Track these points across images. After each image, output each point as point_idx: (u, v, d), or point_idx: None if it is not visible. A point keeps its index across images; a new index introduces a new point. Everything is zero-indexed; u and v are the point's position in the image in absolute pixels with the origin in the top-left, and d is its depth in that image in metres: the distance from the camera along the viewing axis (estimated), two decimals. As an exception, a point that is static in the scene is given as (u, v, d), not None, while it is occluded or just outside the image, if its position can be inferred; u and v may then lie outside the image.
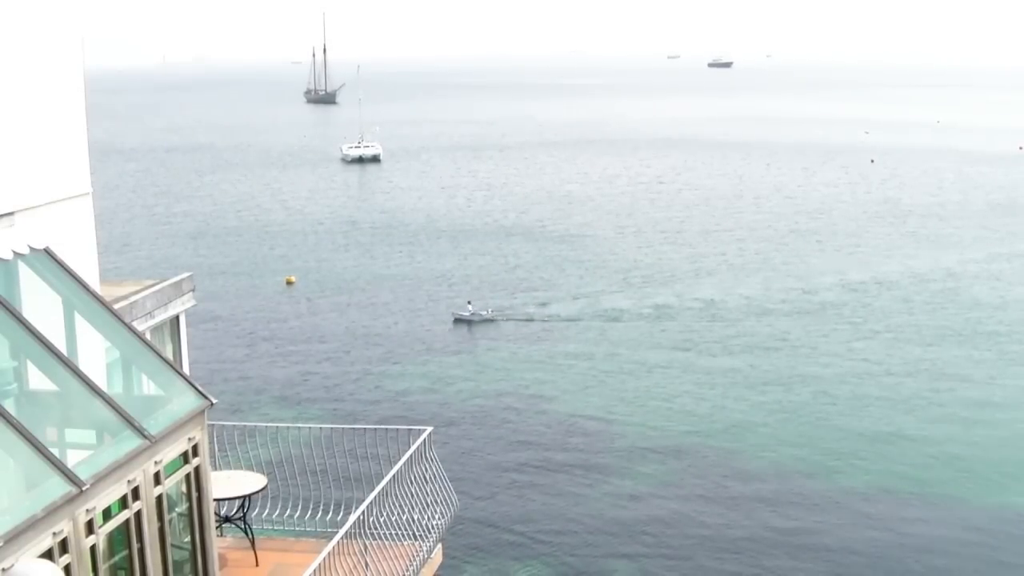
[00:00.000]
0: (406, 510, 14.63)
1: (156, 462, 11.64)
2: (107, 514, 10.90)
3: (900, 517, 34.06)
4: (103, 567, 10.79)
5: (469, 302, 58.31)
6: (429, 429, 15.73)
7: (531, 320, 56.89)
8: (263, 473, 15.52)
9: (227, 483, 14.81)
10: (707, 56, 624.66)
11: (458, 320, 56.96)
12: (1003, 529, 33.44)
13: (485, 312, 57.13)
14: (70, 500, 10.23)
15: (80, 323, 12.86)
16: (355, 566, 13.52)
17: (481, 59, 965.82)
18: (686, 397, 45.43)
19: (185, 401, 12.59)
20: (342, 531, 13.49)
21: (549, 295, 62.78)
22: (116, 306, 13.99)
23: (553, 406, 44.63)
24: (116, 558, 11.11)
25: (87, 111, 14.28)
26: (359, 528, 13.69)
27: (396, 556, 14.33)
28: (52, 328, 12.18)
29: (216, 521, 14.07)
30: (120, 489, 11.04)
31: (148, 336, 14.98)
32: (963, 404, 44.14)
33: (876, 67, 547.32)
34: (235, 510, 15.02)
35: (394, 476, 14.49)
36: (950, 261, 70.69)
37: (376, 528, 14.03)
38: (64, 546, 10.17)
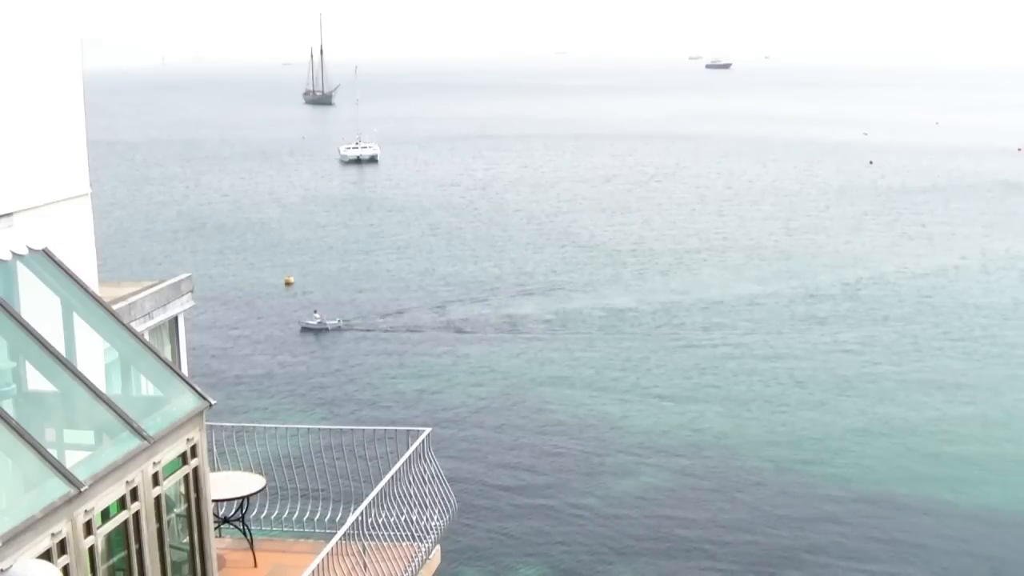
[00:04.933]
0: (404, 511, 14.62)
1: (155, 463, 11.64)
2: (106, 515, 10.90)
3: (897, 515, 34.09)
4: (101, 568, 10.78)
5: (316, 311, 58.01)
6: (428, 430, 15.72)
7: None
8: (262, 474, 15.51)
9: (226, 484, 14.80)
10: (724, 57, 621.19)
11: (305, 329, 56.48)
12: (1000, 526, 33.49)
13: (333, 321, 56.93)
14: (69, 501, 10.23)
15: (79, 324, 12.86)
16: (353, 567, 13.52)
17: (474, 60, 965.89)
18: (684, 397, 45.43)
19: (184, 402, 12.59)
20: (340, 532, 13.49)
21: (551, 291, 62.81)
22: (115, 307, 13.99)
23: (552, 408, 44.64)
24: (115, 559, 11.11)
25: (86, 112, 14.28)
26: (357, 529, 13.69)
27: (394, 557, 14.32)
28: (51, 329, 12.18)
29: (215, 522, 14.07)
30: (119, 490, 11.04)
31: (147, 337, 14.97)
32: (960, 400, 44.23)
33: (875, 68, 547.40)
34: (234, 511, 15.01)
35: (393, 477, 14.49)
36: (948, 261, 70.71)
37: (375, 529, 14.03)
38: (63, 547, 10.17)
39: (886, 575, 30.95)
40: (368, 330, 56.45)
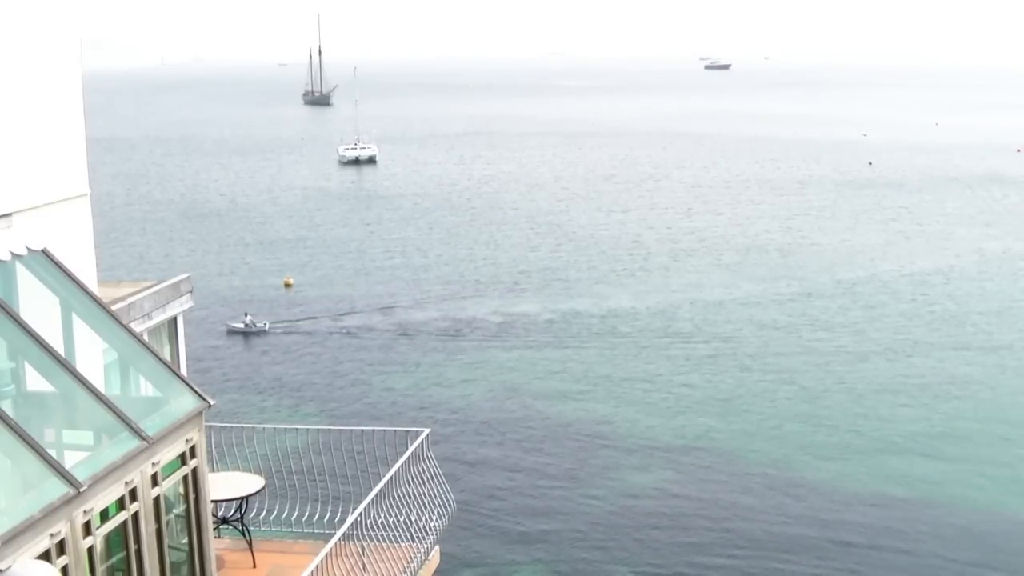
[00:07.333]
0: (404, 512, 14.63)
1: (154, 463, 11.64)
2: (104, 515, 10.90)
3: (891, 512, 34.10)
4: (100, 568, 10.79)
5: (247, 313, 57.72)
6: (427, 431, 15.74)
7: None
8: (261, 474, 15.52)
9: (225, 484, 14.81)
10: (723, 58, 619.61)
11: (232, 331, 56.08)
12: (995, 523, 33.52)
13: (262, 323, 56.74)
14: (68, 501, 10.23)
15: (78, 324, 12.86)
16: (353, 567, 13.52)
17: (471, 60, 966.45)
18: (683, 398, 45.42)
19: (183, 402, 12.60)
20: (340, 532, 13.50)
21: (549, 290, 62.82)
22: (114, 307, 13.99)
23: (550, 407, 44.63)
24: (113, 559, 11.11)
25: (85, 112, 14.28)
26: (357, 530, 13.70)
27: (394, 558, 14.33)
28: (50, 329, 12.18)
29: (214, 523, 14.07)
30: (118, 490, 11.05)
31: (146, 337, 14.97)
32: (956, 398, 44.25)
33: (874, 68, 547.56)
34: (233, 511, 15.02)
35: (392, 477, 14.50)
36: (945, 260, 70.73)
37: (374, 530, 14.04)
38: (62, 547, 10.17)
39: (880, 572, 30.97)
40: (366, 330, 56.43)
